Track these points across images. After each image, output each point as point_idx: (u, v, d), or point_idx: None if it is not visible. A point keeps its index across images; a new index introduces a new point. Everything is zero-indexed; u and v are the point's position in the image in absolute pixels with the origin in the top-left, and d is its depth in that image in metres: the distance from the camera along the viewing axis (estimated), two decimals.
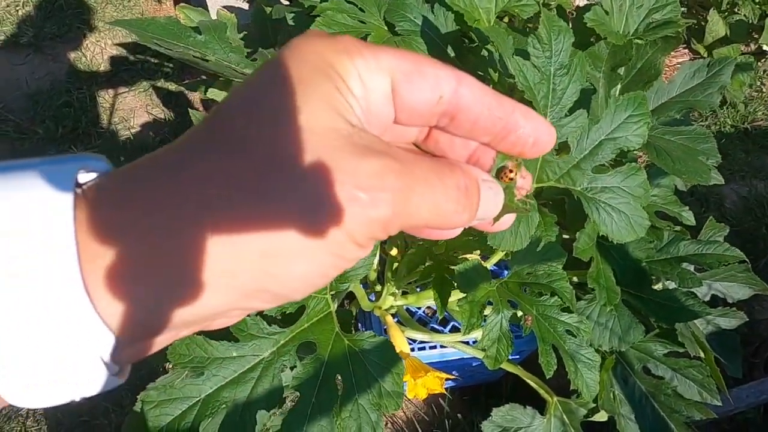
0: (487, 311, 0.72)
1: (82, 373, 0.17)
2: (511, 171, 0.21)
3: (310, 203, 0.16)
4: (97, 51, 1.70)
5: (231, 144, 0.16)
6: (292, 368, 0.50)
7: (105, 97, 1.61)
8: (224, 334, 0.48)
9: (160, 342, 0.18)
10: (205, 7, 1.42)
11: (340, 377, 0.50)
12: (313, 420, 0.47)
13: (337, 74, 0.17)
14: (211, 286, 0.16)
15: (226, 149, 0.16)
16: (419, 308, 1.02)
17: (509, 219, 0.22)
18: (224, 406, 0.46)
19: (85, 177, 0.17)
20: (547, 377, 0.61)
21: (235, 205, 0.16)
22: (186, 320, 0.17)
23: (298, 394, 0.48)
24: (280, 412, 0.57)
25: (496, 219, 0.21)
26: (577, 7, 1.19)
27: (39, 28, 1.71)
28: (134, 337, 0.17)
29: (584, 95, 0.57)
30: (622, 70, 0.77)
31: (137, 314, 0.16)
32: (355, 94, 0.18)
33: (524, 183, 0.22)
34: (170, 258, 0.16)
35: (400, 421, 1.08)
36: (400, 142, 0.22)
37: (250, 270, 0.16)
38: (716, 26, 1.65)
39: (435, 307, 1.04)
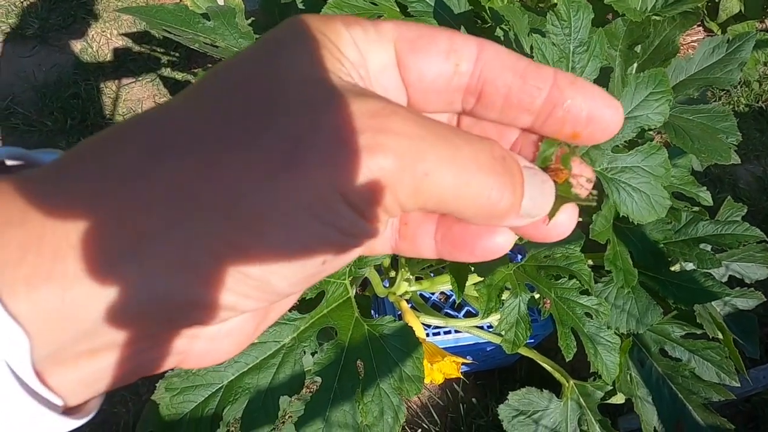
0: (504, 295, 0.71)
1: None
2: (561, 157, 0.16)
3: (286, 145, 0.12)
4: (103, 41, 1.69)
5: (190, 99, 0.14)
6: (313, 354, 0.50)
7: (112, 87, 1.61)
8: None
9: (107, 360, 0.14)
10: None
11: (360, 362, 0.50)
12: (336, 404, 0.47)
13: (327, 38, 0.14)
14: (153, 265, 0.12)
15: (184, 104, 0.13)
16: (433, 294, 1.02)
17: (570, 219, 0.17)
18: (247, 392, 0.46)
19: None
20: (567, 360, 0.61)
21: (185, 154, 0.12)
22: (119, 315, 0.12)
23: (319, 379, 0.48)
24: (301, 399, 0.57)
25: (551, 215, 0.16)
26: None
27: (44, 20, 1.70)
28: (58, 338, 0.12)
29: (603, 73, 0.56)
30: (638, 48, 0.75)
31: (50, 301, 0.12)
32: (349, 58, 0.14)
33: (583, 170, 0.16)
34: (95, 222, 0.12)
35: (414, 406, 1.09)
36: None
37: (208, 240, 0.12)
38: (730, 3, 1.61)
39: (449, 293, 1.04)
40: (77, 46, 1.68)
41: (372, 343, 0.50)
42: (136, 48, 1.69)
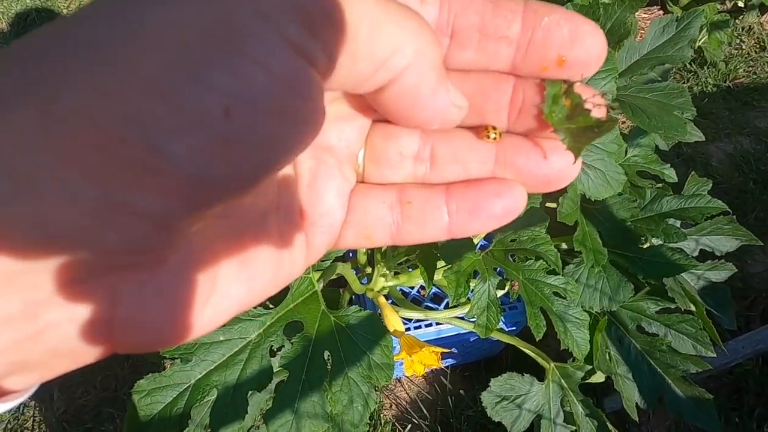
0: (474, 283, 0.72)
1: None
2: (567, 91, 0.15)
3: None
4: None
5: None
6: (279, 348, 0.51)
7: None
8: None
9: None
10: None
11: (329, 353, 0.51)
12: (305, 396, 0.47)
13: None
14: (9, 126, 0.09)
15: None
16: (412, 288, 1.03)
17: (567, 159, 0.16)
18: (215, 389, 0.47)
19: None
20: (537, 339, 0.62)
21: (76, 15, 0.10)
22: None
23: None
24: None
25: (578, 151, 0.15)
26: None
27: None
28: None
29: None
30: None
31: None
32: None
33: (596, 98, 0.15)
34: None
35: (403, 402, 1.09)
36: None
37: (73, 85, 0.09)
38: None
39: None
40: None
41: (339, 334, 0.51)
42: None
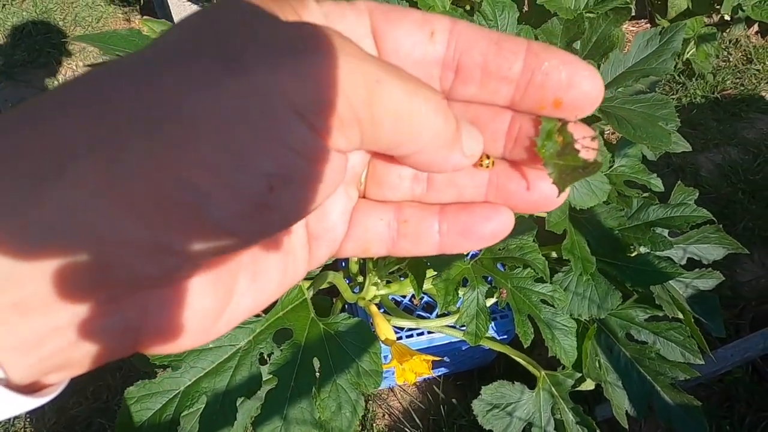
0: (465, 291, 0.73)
1: None
2: (561, 129, 0.16)
3: (228, 55, 0.12)
4: (69, 74, 1.70)
5: (139, 50, 0.13)
6: (269, 356, 0.51)
7: None
8: None
9: (38, 322, 0.12)
10: (171, 20, 1.43)
11: (318, 360, 0.51)
12: (294, 402, 0.48)
13: (291, 6, 0.14)
14: (76, 187, 0.11)
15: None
16: (404, 297, 1.03)
17: (553, 187, 0.17)
18: (204, 396, 0.47)
19: None
20: (525, 346, 0.62)
21: (121, 75, 0.12)
22: (36, 248, 0.11)
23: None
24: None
25: (563, 187, 0.16)
26: None
27: (9, 56, 1.71)
28: None
29: None
30: (578, 45, 0.79)
31: None
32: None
33: (583, 131, 0.16)
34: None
35: (396, 412, 1.09)
36: None
37: (136, 154, 0.11)
38: (678, 0, 1.68)
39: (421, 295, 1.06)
40: (44, 80, 1.68)
41: (328, 341, 0.52)
42: None
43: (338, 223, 0.18)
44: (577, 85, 0.15)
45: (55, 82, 1.67)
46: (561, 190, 0.16)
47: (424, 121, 0.14)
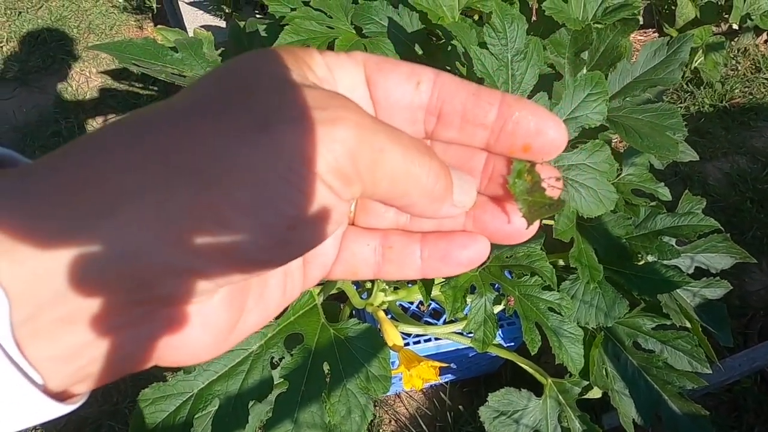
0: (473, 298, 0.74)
1: None
2: (529, 169, 0.18)
3: (258, 114, 0.14)
4: (82, 80, 1.73)
5: (174, 96, 0.15)
6: (280, 359, 0.52)
7: (93, 124, 1.64)
8: None
9: (81, 334, 0.14)
10: (183, 28, 1.45)
11: (328, 365, 0.52)
12: (304, 406, 0.48)
13: (302, 58, 0.16)
14: (127, 220, 0.13)
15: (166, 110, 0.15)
16: (412, 303, 1.04)
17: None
18: (217, 399, 0.48)
19: None
20: (532, 354, 0.63)
21: (163, 126, 0.14)
22: (88, 271, 0.13)
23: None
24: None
25: (532, 221, 0.18)
26: None
27: (24, 62, 1.74)
28: (34, 300, 0.13)
29: (543, 79, 0.59)
30: (585, 55, 0.80)
31: (29, 259, 0.13)
32: (318, 74, 0.16)
33: (549, 171, 0.18)
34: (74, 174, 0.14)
35: (402, 417, 1.10)
36: None
37: (181, 198, 0.13)
38: (686, 9, 1.68)
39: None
40: (57, 85, 1.71)
41: (338, 346, 0.52)
42: (115, 84, 1.72)
43: (329, 248, 0.20)
44: (544, 133, 0.17)
45: (69, 89, 1.70)
46: (530, 223, 0.18)
47: (418, 182, 0.16)
